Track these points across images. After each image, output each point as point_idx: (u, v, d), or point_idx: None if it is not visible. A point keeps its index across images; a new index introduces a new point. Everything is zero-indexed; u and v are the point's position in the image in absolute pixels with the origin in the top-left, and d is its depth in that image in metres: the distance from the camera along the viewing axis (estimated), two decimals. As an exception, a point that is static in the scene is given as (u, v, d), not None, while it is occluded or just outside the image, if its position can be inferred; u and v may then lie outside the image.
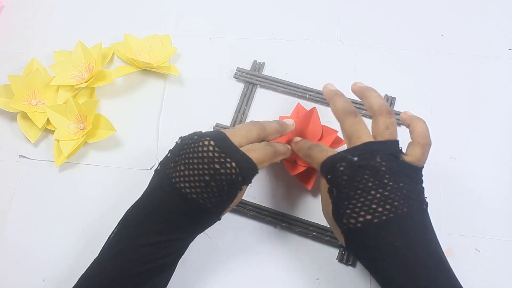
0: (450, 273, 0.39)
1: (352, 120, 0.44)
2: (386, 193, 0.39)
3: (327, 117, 0.57)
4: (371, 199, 0.39)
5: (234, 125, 0.58)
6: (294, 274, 0.52)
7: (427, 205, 0.41)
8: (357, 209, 0.39)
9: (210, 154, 0.41)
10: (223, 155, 0.41)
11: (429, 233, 0.40)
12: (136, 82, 0.62)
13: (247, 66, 0.62)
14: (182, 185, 0.41)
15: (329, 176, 0.41)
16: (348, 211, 0.39)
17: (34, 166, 0.57)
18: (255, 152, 0.43)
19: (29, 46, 0.64)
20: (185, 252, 0.52)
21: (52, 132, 0.57)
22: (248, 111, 0.59)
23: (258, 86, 0.61)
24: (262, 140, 0.47)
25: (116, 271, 0.40)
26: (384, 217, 0.38)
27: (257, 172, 0.44)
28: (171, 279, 0.52)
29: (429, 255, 0.39)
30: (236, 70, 0.61)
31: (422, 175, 0.43)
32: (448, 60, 0.62)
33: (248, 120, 0.59)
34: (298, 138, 0.52)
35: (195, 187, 0.41)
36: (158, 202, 0.42)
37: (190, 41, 0.64)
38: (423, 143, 0.43)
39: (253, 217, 0.54)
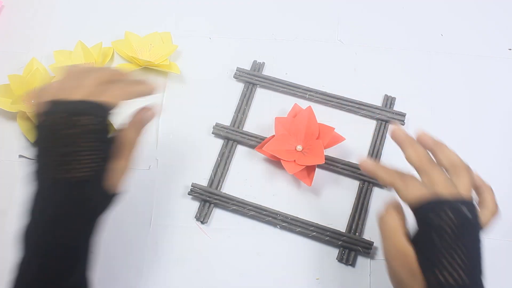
0: None
1: (438, 170, 0.41)
2: (479, 256, 0.36)
3: (324, 116, 0.57)
4: (468, 256, 0.35)
5: (234, 125, 0.58)
6: (294, 274, 0.52)
7: None
8: (455, 265, 0.34)
9: (57, 126, 0.36)
10: (68, 116, 0.36)
11: None
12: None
13: (247, 66, 0.62)
14: (48, 175, 0.36)
15: (430, 216, 0.36)
16: (445, 262, 0.34)
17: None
18: (102, 93, 0.38)
19: (29, 46, 0.64)
20: (185, 252, 0.53)
21: None
22: (248, 111, 0.59)
23: (258, 86, 0.61)
24: None
25: None
26: (471, 281, 0.35)
27: (104, 107, 0.38)
28: (171, 279, 0.52)
29: None
30: (236, 70, 0.61)
31: None
32: (448, 60, 0.62)
33: (248, 120, 0.59)
34: (365, 159, 0.43)
35: (58, 167, 0.36)
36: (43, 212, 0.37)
37: (190, 41, 0.64)
38: (496, 214, 0.42)
39: (253, 217, 0.54)
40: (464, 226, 0.36)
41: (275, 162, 0.56)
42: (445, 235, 0.35)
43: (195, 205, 0.55)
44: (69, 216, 0.37)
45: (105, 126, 0.38)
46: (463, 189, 0.40)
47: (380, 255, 0.52)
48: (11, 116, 0.60)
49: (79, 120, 0.36)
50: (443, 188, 0.38)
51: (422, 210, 0.37)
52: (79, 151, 0.36)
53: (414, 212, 0.38)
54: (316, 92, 0.60)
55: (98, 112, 0.37)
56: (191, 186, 0.55)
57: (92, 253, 0.40)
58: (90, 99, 0.37)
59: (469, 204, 0.38)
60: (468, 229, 0.36)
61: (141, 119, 0.42)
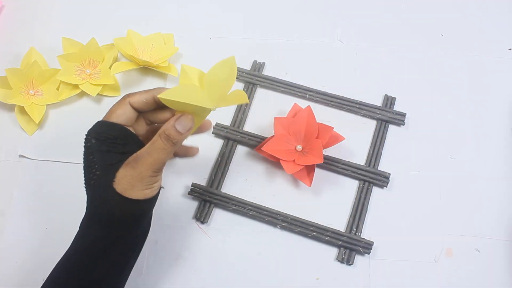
0: None
1: None
2: None
3: (323, 116, 0.57)
4: None
5: (234, 125, 0.58)
6: (294, 274, 0.52)
7: None
8: None
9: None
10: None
11: None
12: (136, 79, 0.62)
13: (247, 66, 0.62)
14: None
15: None
16: None
17: (34, 166, 0.57)
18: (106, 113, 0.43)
19: (30, 46, 0.63)
20: (185, 252, 0.53)
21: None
22: (248, 111, 0.59)
23: (258, 86, 0.61)
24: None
25: None
26: None
27: (109, 124, 0.41)
28: (171, 279, 0.52)
29: None
30: (237, 70, 0.61)
31: None
32: (448, 60, 0.62)
33: (248, 120, 0.59)
34: None
35: (85, 176, 0.41)
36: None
37: (190, 40, 0.64)
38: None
39: (253, 217, 0.54)
40: None
41: (275, 162, 0.56)
42: None
43: (195, 205, 0.55)
44: (91, 216, 0.41)
45: (102, 137, 0.40)
46: None
47: (380, 255, 0.53)
48: (10, 114, 0.60)
49: (84, 138, 0.41)
50: None
51: None
52: (87, 162, 0.41)
53: None
54: (316, 92, 0.60)
55: (93, 128, 0.41)
56: (191, 186, 0.55)
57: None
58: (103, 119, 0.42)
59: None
60: None
61: (166, 127, 0.41)
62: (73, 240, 0.42)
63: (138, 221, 0.41)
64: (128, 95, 0.42)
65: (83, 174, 0.41)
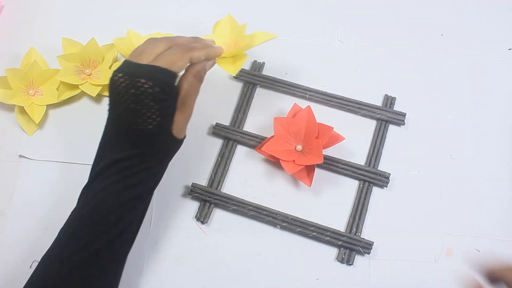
0: None
1: None
2: None
3: (323, 116, 0.57)
4: None
5: (234, 125, 0.58)
6: (294, 274, 0.52)
7: None
8: None
9: (123, 84, 0.41)
10: (131, 78, 0.41)
11: None
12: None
13: (247, 66, 0.62)
14: (119, 124, 0.43)
15: None
16: None
17: (34, 166, 0.57)
18: (162, 58, 0.43)
19: (30, 46, 0.63)
20: (185, 252, 0.53)
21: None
22: (248, 111, 0.59)
23: (258, 86, 0.61)
24: None
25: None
26: None
27: (174, 75, 0.42)
28: (171, 279, 0.52)
29: None
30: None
31: None
32: (448, 60, 0.62)
33: (248, 120, 0.59)
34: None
35: (127, 119, 0.42)
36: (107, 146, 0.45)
37: (190, 41, 0.64)
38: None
39: (253, 217, 0.54)
40: None
41: (275, 162, 0.56)
42: None
43: (195, 205, 0.55)
44: (143, 155, 0.43)
45: (165, 87, 0.41)
46: None
47: (380, 255, 0.53)
48: (11, 115, 0.60)
49: (139, 82, 0.41)
50: None
51: None
52: (145, 108, 0.41)
53: None
54: (316, 92, 0.60)
55: (156, 76, 0.41)
56: (191, 186, 0.55)
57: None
58: (153, 63, 0.42)
59: None
60: None
61: (197, 68, 0.45)
62: (110, 179, 0.43)
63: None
64: (189, 50, 0.44)
65: (108, 111, 0.43)
